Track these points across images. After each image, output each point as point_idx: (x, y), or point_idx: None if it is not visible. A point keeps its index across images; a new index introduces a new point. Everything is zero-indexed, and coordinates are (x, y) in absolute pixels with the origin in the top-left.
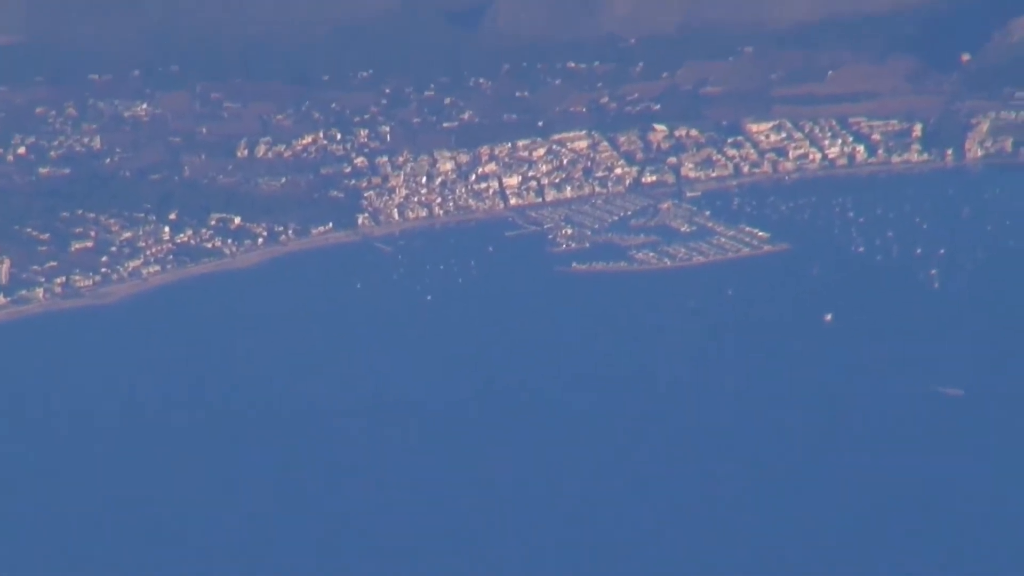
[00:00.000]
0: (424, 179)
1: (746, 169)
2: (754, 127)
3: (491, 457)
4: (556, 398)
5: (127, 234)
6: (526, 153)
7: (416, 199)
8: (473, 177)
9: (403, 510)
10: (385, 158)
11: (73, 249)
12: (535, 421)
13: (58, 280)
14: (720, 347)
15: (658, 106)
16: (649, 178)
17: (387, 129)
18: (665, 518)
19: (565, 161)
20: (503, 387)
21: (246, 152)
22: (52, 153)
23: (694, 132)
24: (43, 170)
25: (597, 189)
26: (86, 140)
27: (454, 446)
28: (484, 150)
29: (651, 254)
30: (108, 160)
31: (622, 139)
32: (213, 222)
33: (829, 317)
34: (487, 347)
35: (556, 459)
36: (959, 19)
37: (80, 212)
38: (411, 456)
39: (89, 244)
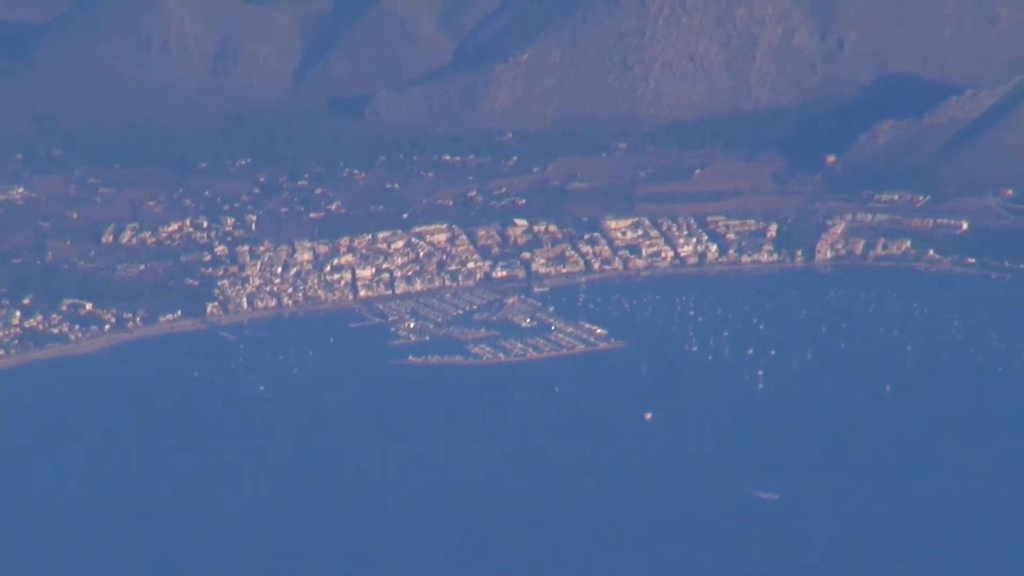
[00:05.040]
0: (279, 269)
1: (597, 266)
2: (613, 224)
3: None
4: (344, 489)
5: None
6: (385, 245)
7: (268, 289)
8: (328, 268)
9: None
10: (246, 247)
11: None
12: (306, 511)
13: None
14: (534, 442)
15: (523, 201)
16: (500, 273)
17: (254, 218)
18: None
19: (421, 254)
20: (299, 478)
21: (111, 238)
22: None
23: (553, 227)
24: None
25: (447, 283)
26: None
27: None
28: (344, 241)
29: (487, 348)
30: None
31: (481, 233)
32: (64, 307)
33: (649, 416)
34: (301, 436)
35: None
36: (830, 120)
37: None
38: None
39: None
